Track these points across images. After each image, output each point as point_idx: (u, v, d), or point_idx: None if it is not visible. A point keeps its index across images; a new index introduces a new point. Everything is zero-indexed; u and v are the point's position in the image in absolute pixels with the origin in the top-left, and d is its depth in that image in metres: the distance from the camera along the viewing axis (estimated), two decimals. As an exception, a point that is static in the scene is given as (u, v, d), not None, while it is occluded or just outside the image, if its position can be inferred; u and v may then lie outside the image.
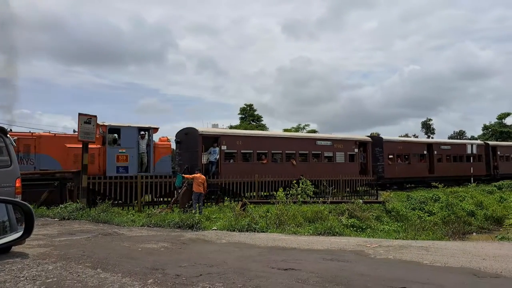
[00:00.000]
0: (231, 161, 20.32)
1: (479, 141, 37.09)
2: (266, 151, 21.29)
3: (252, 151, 20.86)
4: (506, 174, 34.15)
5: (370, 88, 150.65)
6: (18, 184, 7.40)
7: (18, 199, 7.48)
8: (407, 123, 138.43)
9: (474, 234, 17.15)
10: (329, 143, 23.94)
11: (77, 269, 5.70)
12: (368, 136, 27.83)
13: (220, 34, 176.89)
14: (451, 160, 31.18)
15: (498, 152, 34.74)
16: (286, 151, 22.06)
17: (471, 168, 30.71)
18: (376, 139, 27.46)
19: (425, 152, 29.65)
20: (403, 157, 28.24)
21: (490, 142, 36.39)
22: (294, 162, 22.03)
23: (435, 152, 29.84)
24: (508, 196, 25.10)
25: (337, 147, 24.00)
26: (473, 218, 19.45)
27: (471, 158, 31.74)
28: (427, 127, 75.07)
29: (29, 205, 2.12)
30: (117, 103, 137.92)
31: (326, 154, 23.81)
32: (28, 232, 2.04)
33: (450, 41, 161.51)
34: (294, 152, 22.28)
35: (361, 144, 25.81)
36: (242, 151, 20.61)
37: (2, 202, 2.29)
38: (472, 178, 29.87)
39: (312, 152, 23.15)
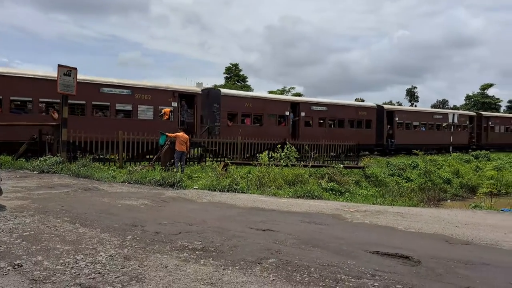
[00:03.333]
0: None
1: (370, 103, 31.02)
2: None
3: None
4: (403, 145, 29.43)
5: (358, 52, 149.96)
6: None
7: None
8: (392, 90, 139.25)
9: (449, 201, 17.67)
10: (125, 91, 17.69)
11: (55, 223, 5.68)
12: (204, 89, 22.18)
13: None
14: (326, 125, 25.66)
15: (396, 119, 29.52)
16: (41, 99, 16.02)
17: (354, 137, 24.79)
18: (211, 93, 21.59)
19: (287, 113, 23.63)
20: (253, 118, 22.54)
21: (386, 106, 31.14)
22: (55, 115, 15.73)
23: (303, 114, 24.21)
24: (484, 166, 25.81)
25: (141, 98, 18.02)
26: (449, 185, 20.00)
27: (356, 123, 27.07)
28: (411, 95, 75.62)
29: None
30: (100, 56, 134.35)
31: (120, 106, 17.71)
32: None
33: (441, 8, 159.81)
34: (59, 101, 14.66)
35: (184, 96, 19.84)
36: None
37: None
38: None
39: (94, 103, 17.03)
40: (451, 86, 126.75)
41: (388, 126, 29.43)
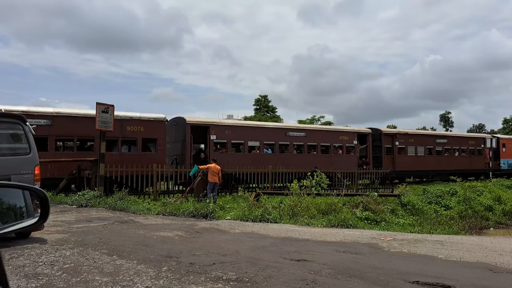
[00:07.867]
0: None
1: (156, 115, 18.47)
2: None
3: None
4: (229, 174, 18.19)
5: (389, 78, 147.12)
6: (37, 171, 7.55)
7: (37, 186, 7.64)
8: (427, 116, 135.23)
9: (492, 229, 16.88)
10: None
11: (94, 255, 5.82)
12: None
13: (234, 22, 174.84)
14: (50, 146, 15.67)
15: (213, 137, 20.05)
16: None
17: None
18: None
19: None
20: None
21: (189, 118, 20.00)
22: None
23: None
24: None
25: None
26: (490, 213, 19.11)
27: (122, 144, 17.33)
28: (446, 120, 73.95)
29: (44, 191, 2.14)
30: (132, 93, 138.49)
31: None
32: (43, 218, 2.08)
33: (472, 31, 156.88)
34: None
35: None
36: None
37: (19, 188, 2.34)
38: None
39: None
40: (488, 109, 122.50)
41: (201, 148, 21.62)
